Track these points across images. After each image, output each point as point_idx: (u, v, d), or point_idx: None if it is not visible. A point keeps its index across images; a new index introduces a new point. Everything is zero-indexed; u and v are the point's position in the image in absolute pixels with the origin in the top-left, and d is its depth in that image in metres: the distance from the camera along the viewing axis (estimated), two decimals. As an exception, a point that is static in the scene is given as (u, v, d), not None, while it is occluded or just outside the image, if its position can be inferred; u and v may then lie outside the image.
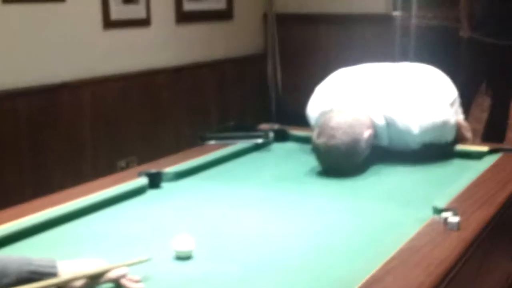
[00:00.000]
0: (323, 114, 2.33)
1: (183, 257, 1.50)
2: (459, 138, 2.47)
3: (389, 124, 2.29)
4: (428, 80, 2.46)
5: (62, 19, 3.44)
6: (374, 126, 2.27)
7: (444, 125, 2.33)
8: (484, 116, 4.84)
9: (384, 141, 2.33)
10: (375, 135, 2.27)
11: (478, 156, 2.32)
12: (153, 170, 2.08)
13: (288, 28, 4.87)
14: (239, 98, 4.62)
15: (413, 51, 4.94)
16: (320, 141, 2.19)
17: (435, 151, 2.36)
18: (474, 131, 4.89)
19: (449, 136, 2.40)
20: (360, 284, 1.29)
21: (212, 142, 2.51)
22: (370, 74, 2.50)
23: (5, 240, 1.59)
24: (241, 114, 4.56)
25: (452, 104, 2.42)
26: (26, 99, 3.23)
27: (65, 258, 1.40)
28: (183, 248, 1.51)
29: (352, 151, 2.17)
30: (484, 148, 2.36)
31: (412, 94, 2.34)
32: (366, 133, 2.21)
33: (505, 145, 2.48)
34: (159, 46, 4.04)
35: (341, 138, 2.15)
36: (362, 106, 2.28)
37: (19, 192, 3.10)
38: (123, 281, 1.34)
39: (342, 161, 2.18)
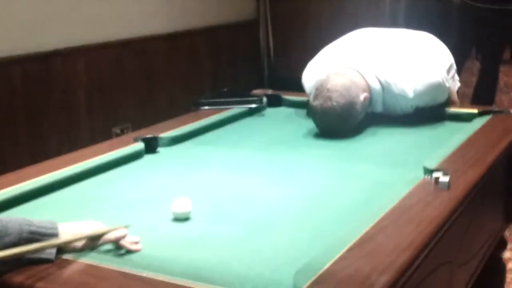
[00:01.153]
0: (318, 81, 2.36)
1: (181, 219, 1.54)
2: (448, 102, 2.52)
3: (384, 88, 2.32)
4: (423, 45, 2.50)
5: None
6: (369, 90, 2.30)
7: (438, 89, 2.37)
8: (474, 80, 4.87)
9: (379, 107, 2.36)
10: (370, 100, 2.31)
11: (468, 118, 2.36)
12: (149, 135, 2.11)
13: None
14: (232, 64, 4.63)
15: (403, 16, 4.95)
16: (316, 103, 2.23)
17: (427, 114, 2.40)
18: (463, 95, 4.95)
19: (442, 99, 2.44)
20: (353, 241, 1.33)
21: (206, 107, 2.54)
22: (365, 40, 2.53)
23: (3, 205, 1.61)
24: (234, 80, 4.59)
25: (448, 70, 2.45)
26: (20, 67, 3.24)
27: (64, 221, 1.43)
28: (181, 210, 1.55)
29: (348, 113, 2.21)
30: (474, 110, 2.40)
31: (408, 58, 2.37)
32: (362, 96, 2.24)
33: (494, 108, 2.52)
34: (152, 13, 4.04)
35: (337, 100, 2.18)
36: (358, 69, 2.31)
37: (16, 159, 3.13)
38: (122, 243, 1.37)
39: (338, 123, 2.22)
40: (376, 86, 2.32)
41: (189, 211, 1.55)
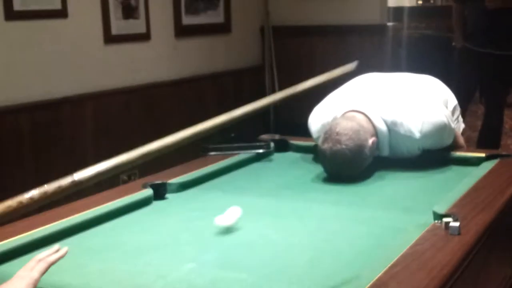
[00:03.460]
0: (325, 125, 2.37)
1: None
2: (455, 146, 2.52)
3: (391, 130, 2.33)
4: (428, 88, 2.52)
5: (64, 35, 3.49)
6: (376, 134, 2.31)
7: (444, 130, 2.38)
8: (479, 124, 4.88)
9: (385, 151, 2.37)
10: (377, 144, 2.32)
11: (476, 162, 2.36)
12: (158, 181, 2.11)
13: (285, 40, 4.94)
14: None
15: (405, 60, 5.00)
16: (325, 146, 2.24)
17: (433, 157, 2.41)
18: (469, 139, 4.96)
19: (448, 141, 2.45)
20: (365, 288, 1.32)
21: (213, 153, 2.55)
22: (370, 83, 2.56)
23: (12, 254, 1.61)
24: (241, 125, 4.60)
25: (453, 112, 2.47)
26: (29, 114, 3.27)
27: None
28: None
29: (357, 156, 2.22)
30: (482, 154, 2.40)
31: (413, 100, 2.40)
32: (370, 140, 2.26)
33: (501, 151, 2.52)
34: (159, 60, 4.09)
35: (346, 143, 2.19)
36: (364, 112, 2.32)
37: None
38: (48, 260, 1.32)
39: (347, 166, 2.22)
40: (383, 128, 2.33)
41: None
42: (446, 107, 2.50)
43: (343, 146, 2.20)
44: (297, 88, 1.39)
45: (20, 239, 1.67)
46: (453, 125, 2.45)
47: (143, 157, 1.24)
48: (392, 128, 2.34)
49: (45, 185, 1.16)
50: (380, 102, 2.38)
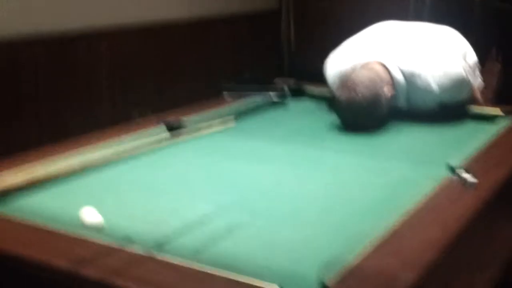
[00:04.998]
0: (341, 72, 2.35)
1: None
2: (472, 101, 2.50)
3: (408, 82, 2.31)
4: (448, 40, 2.48)
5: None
6: (394, 84, 2.29)
7: (462, 84, 2.36)
8: (494, 81, 4.84)
9: (402, 102, 2.35)
10: (394, 95, 2.30)
11: (492, 118, 2.34)
12: (172, 118, 2.11)
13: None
14: (252, 54, 4.62)
15: (428, 14, 4.91)
16: (341, 94, 2.22)
17: (450, 111, 2.39)
18: (483, 96, 4.90)
19: (466, 96, 2.43)
20: (379, 237, 1.33)
21: (228, 92, 2.53)
22: (389, 32, 2.52)
23: (28, 186, 1.62)
24: (255, 70, 4.57)
25: (472, 66, 2.44)
26: (45, 47, 3.24)
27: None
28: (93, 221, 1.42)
29: (373, 106, 2.20)
30: (498, 112, 2.38)
31: (432, 52, 2.36)
32: (387, 90, 2.23)
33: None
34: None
35: (362, 92, 2.18)
36: (382, 61, 2.29)
37: (37, 136, 3.14)
38: None
39: (362, 116, 2.21)
40: (400, 79, 2.31)
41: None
42: (465, 60, 2.47)
43: (359, 95, 2.18)
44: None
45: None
46: (471, 78, 2.42)
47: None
48: (409, 79, 2.32)
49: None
50: (398, 52, 2.35)
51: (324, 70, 2.52)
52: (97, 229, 1.36)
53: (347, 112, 2.23)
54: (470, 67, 2.46)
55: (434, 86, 2.30)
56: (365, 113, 2.21)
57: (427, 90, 2.31)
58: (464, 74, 2.35)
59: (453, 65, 2.34)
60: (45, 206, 1.52)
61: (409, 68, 2.31)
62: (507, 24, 4.21)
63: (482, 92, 2.65)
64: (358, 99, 2.18)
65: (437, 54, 2.36)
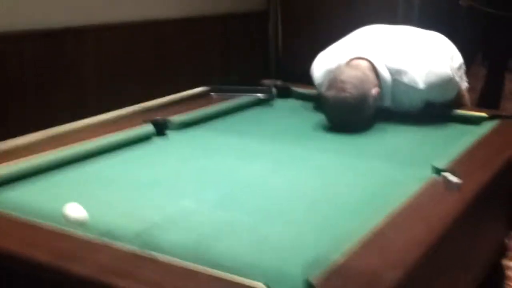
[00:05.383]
0: (329, 72, 2.35)
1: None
2: (458, 103, 2.52)
3: (395, 79, 2.32)
4: (434, 42, 2.51)
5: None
6: (380, 83, 2.30)
7: (449, 83, 2.37)
8: (479, 85, 4.87)
9: (388, 101, 2.36)
10: (380, 94, 2.31)
11: (477, 121, 2.35)
12: (159, 117, 2.10)
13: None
14: (241, 54, 4.62)
15: (416, 18, 4.94)
16: (329, 93, 2.22)
17: (435, 112, 2.40)
18: (469, 98, 4.92)
19: (451, 95, 2.44)
20: (364, 236, 1.33)
21: (216, 93, 2.53)
22: (376, 34, 2.53)
23: (12, 179, 1.61)
24: (243, 70, 4.57)
25: (458, 69, 2.45)
26: (32, 42, 3.22)
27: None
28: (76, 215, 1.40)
29: (361, 105, 2.21)
30: (483, 114, 2.40)
31: (419, 52, 2.38)
32: (374, 90, 2.24)
33: (503, 112, 2.52)
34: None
35: (350, 91, 2.18)
36: (369, 58, 2.30)
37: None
38: None
39: (350, 115, 2.22)
40: (386, 76, 2.31)
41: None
42: (452, 61, 2.48)
43: (347, 94, 2.18)
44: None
45: (21, 165, 1.66)
46: (457, 79, 2.43)
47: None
48: (396, 77, 2.32)
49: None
50: (385, 50, 2.36)
51: (311, 70, 2.52)
52: (81, 224, 1.36)
53: (335, 111, 2.24)
54: (457, 67, 2.47)
55: (421, 84, 2.31)
56: (353, 112, 2.21)
57: (413, 87, 2.32)
58: (451, 73, 2.37)
59: (440, 65, 2.35)
60: (28, 200, 1.51)
61: (396, 65, 2.32)
62: (492, 29, 4.25)
63: (468, 95, 2.67)
64: (346, 99, 2.18)
65: (424, 54, 2.38)
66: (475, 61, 4.69)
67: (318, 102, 2.44)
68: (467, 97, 2.60)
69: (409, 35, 2.53)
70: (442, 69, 2.35)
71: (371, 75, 2.27)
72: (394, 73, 2.32)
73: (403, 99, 2.36)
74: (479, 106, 4.48)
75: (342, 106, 2.20)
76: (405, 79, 2.32)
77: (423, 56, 2.36)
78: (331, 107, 2.24)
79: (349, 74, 2.22)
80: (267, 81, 2.75)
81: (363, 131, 2.26)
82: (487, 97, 4.58)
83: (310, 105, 2.57)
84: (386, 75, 2.31)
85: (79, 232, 1.30)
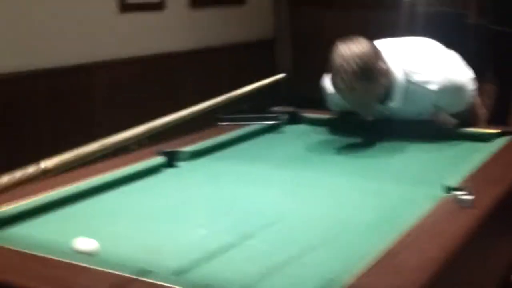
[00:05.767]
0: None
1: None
2: (473, 119, 2.50)
3: (408, 80, 2.29)
4: (449, 55, 2.49)
5: (80, 2, 3.48)
6: (391, 79, 2.27)
7: (464, 90, 2.36)
8: (489, 102, 4.85)
9: (398, 102, 2.32)
10: (391, 92, 2.29)
11: (488, 138, 2.34)
12: (170, 149, 2.12)
13: (300, 12, 4.90)
14: (251, 82, 4.64)
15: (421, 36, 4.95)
16: (334, 78, 2.21)
17: (443, 129, 2.38)
18: (482, 113, 4.90)
19: (465, 105, 2.43)
20: (377, 258, 1.32)
21: (226, 123, 2.54)
22: (389, 41, 2.52)
23: (23, 215, 1.62)
24: (253, 98, 4.59)
25: (472, 81, 2.44)
26: (45, 80, 3.28)
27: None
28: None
29: (368, 74, 2.15)
30: (494, 131, 2.38)
31: (434, 59, 2.37)
32: (381, 64, 2.22)
33: (514, 129, 2.50)
34: (173, 30, 4.08)
35: (355, 61, 2.14)
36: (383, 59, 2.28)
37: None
38: None
39: (361, 89, 2.16)
40: (399, 76, 2.29)
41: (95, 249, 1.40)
42: (467, 70, 2.47)
43: (351, 65, 2.13)
44: (235, 93, 1.39)
45: (31, 202, 1.67)
46: (470, 90, 2.41)
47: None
48: (409, 76, 2.30)
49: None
50: (400, 53, 2.35)
51: (322, 83, 2.52)
52: (92, 254, 1.36)
53: (346, 91, 2.19)
54: (471, 80, 2.46)
55: (434, 85, 2.28)
56: (362, 84, 2.15)
57: (425, 89, 2.29)
58: (466, 81, 2.35)
59: (457, 70, 2.34)
60: (38, 234, 1.52)
61: (410, 67, 2.30)
62: (502, 47, 4.24)
63: (484, 111, 2.65)
64: (350, 69, 2.14)
65: (441, 60, 2.37)
66: (484, 79, 4.68)
67: (329, 125, 2.45)
68: (482, 112, 2.58)
69: (424, 47, 2.52)
70: (458, 76, 2.33)
71: (377, 51, 2.24)
72: (408, 72, 2.29)
73: (414, 100, 2.32)
74: (489, 123, 4.47)
75: (350, 81, 2.15)
76: (418, 78, 2.29)
77: (439, 62, 2.34)
78: (341, 90, 2.20)
79: (353, 48, 2.18)
80: (276, 108, 2.76)
81: (373, 152, 2.25)
82: (498, 114, 4.56)
83: (321, 129, 2.57)
84: (399, 74, 2.29)
85: (89, 264, 1.30)
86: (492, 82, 4.76)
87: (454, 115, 2.46)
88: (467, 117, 2.47)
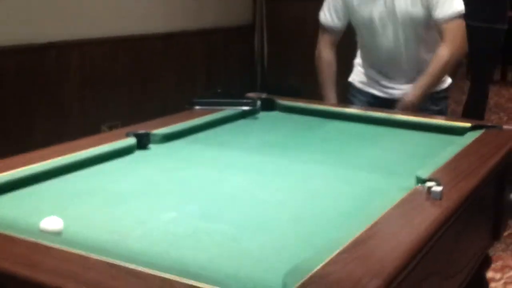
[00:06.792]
0: None
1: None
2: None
3: None
4: None
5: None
6: None
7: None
8: (464, 98, 4.90)
9: None
10: None
11: (461, 131, 2.35)
12: (142, 131, 2.09)
13: (278, 1, 4.87)
14: (225, 68, 4.63)
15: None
16: None
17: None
18: (454, 113, 4.96)
19: (450, 9, 2.64)
20: (345, 245, 1.32)
21: (200, 107, 2.52)
22: None
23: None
24: (227, 84, 4.58)
25: None
26: (13, 57, 3.21)
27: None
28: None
29: None
30: (467, 124, 2.40)
31: None
32: None
33: (487, 122, 2.52)
34: (149, 12, 4.03)
35: None
36: None
37: (4, 150, 3.09)
38: None
39: None
40: None
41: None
42: None
43: None
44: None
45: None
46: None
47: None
48: None
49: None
50: None
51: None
52: (56, 233, 1.34)
53: None
54: None
55: None
56: None
57: None
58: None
59: None
60: (4, 212, 1.50)
61: None
62: (477, 42, 4.27)
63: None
64: None
65: None
66: (459, 75, 4.72)
67: (304, 112, 2.45)
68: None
69: None
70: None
71: None
72: None
73: None
74: (464, 117, 4.50)
75: None
76: None
77: None
78: None
79: None
80: (251, 94, 2.75)
81: (347, 142, 2.26)
82: (472, 109, 4.60)
83: (295, 117, 2.56)
84: None
85: (55, 243, 1.28)
86: (467, 78, 4.81)
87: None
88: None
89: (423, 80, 2.66)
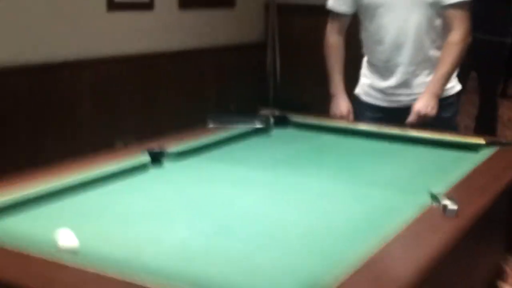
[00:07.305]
0: None
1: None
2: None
3: None
4: None
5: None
6: None
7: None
8: (475, 111, 4.87)
9: None
10: None
11: (475, 148, 2.34)
12: (156, 148, 2.10)
13: (289, 18, 4.89)
14: (238, 85, 4.64)
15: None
16: None
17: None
18: (466, 127, 4.93)
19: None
20: (360, 264, 1.31)
21: (213, 125, 2.53)
22: None
23: (5, 210, 1.60)
24: (239, 101, 4.60)
25: None
26: (27, 76, 3.24)
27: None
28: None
29: None
30: (481, 141, 2.39)
31: None
32: None
33: (501, 139, 2.51)
34: (161, 30, 4.06)
35: None
36: None
37: (17, 167, 3.11)
38: None
39: None
40: None
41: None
42: None
43: None
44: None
45: (14, 197, 1.65)
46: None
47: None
48: None
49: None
50: None
51: None
52: (72, 252, 1.35)
53: None
54: None
55: None
56: None
57: None
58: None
59: None
60: (20, 229, 1.51)
61: None
62: (486, 55, 4.26)
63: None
64: None
65: None
66: (471, 88, 4.70)
67: (317, 129, 2.45)
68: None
69: None
70: None
71: None
72: None
73: None
74: (476, 132, 4.48)
75: None
76: None
77: None
78: None
79: None
80: (264, 111, 2.75)
81: (360, 159, 2.25)
82: (483, 123, 4.58)
83: (308, 133, 2.57)
84: None
85: (71, 261, 1.29)
86: (476, 92, 4.79)
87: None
88: None
89: (442, 69, 2.63)
